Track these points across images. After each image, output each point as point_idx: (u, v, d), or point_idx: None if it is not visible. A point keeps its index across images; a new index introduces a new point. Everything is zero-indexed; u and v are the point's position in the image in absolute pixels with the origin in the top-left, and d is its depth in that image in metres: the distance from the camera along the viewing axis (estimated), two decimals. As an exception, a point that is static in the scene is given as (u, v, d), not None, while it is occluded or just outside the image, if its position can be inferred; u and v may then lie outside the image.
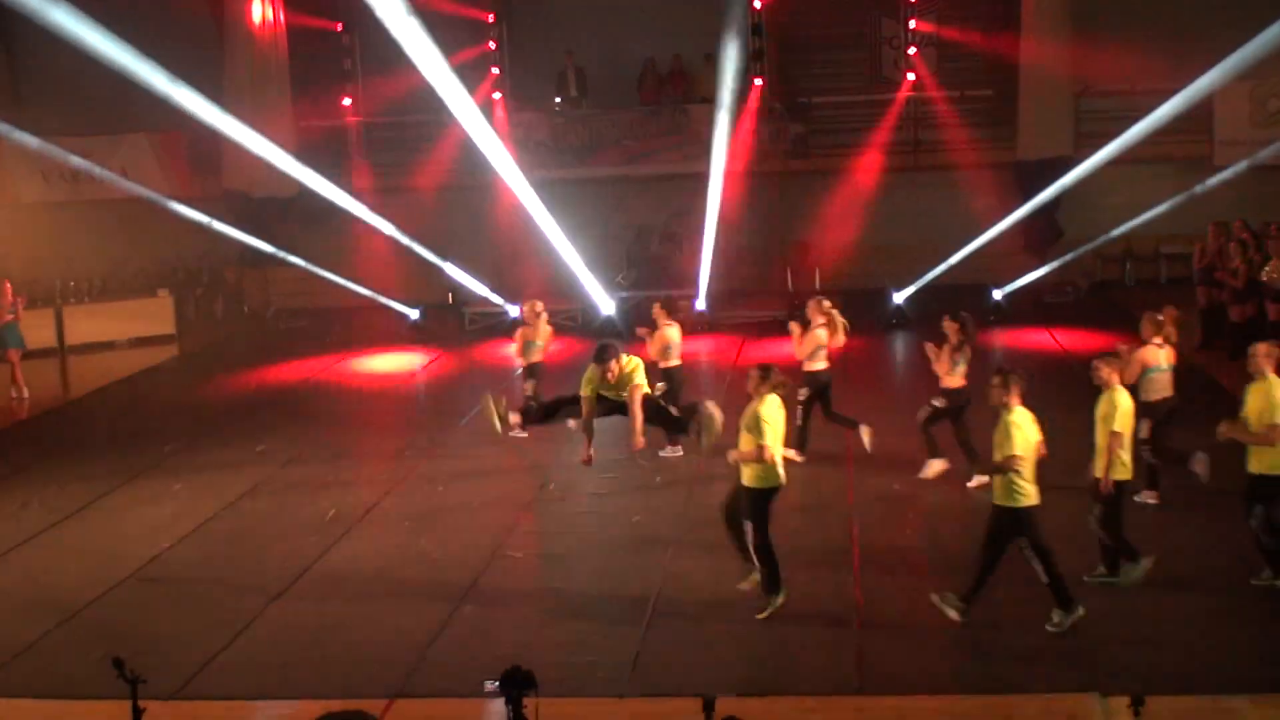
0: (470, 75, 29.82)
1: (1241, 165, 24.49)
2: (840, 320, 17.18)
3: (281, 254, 27.56)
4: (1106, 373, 12.51)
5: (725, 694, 9.60)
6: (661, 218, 29.77)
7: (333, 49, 30.92)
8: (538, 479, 16.48)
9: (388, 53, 30.38)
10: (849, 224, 26.48)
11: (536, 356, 18.39)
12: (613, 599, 12.85)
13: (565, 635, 12.13)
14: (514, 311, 27.00)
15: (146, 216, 28.30)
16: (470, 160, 27.06)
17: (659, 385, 16.49)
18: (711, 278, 26.70)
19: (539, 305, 18.69)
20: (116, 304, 28.04)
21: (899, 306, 26.55)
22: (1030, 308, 26.27)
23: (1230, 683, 10.61)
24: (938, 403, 16.10)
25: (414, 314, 27.57)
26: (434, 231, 28.06)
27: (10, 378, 23.06)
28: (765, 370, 12.40)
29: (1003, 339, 24.28)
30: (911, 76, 29.73)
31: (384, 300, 27.20)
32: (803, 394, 16.65)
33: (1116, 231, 26.22)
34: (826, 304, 17.20)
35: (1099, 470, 12.32)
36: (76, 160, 28.13)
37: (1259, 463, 12.25)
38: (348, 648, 12.04)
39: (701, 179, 26.03)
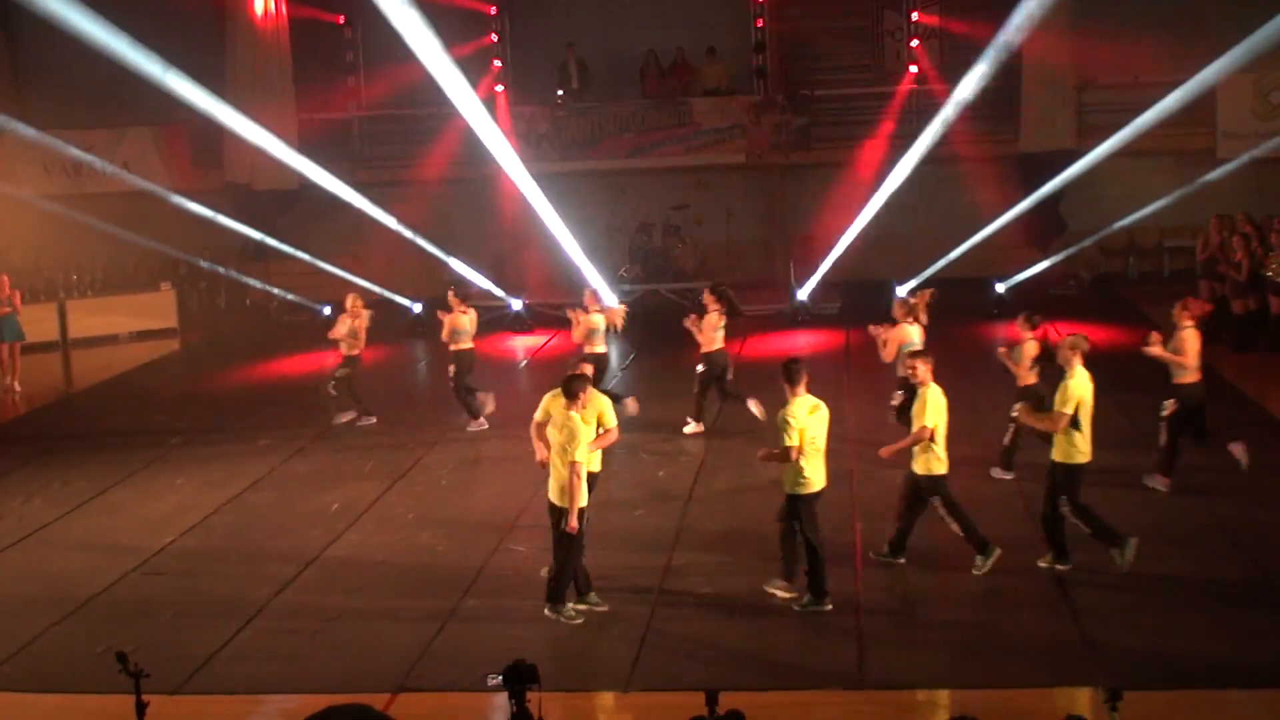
0: (472, 68, 29.84)
1: (1244, 158, 24.48)
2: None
3: (284, 247, 27.59)
4: (924, 371, 12.98)
5: (728, 688, 9.59)
6: (663, 211, 29.73)
7: (335, 42, 30.91)
8: (542, 473, 16.48)
9: (390, 46, 30.50)
10: (851, 217, 26.42)
11: (358, 349, 19.73)
12: (615, 593, 12.84)
13: (568, 629, 12.13)
14: (516, 305, 27.03)
15: (148, 210, 28.30)
16: (472, 153, 27.05)
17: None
18: (713, 271, 26.71)
19: (356, 297, 20.08)
20: (119, 298, 28.07)
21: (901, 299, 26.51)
22: (1033, 301, 26.20)
23: (1230, 676, 10.62)
24: (700, 369, 18.17)
25: (416, 308, 27.45)
26: (436, 225, 28.06)
27: (6, 369, 23.20)
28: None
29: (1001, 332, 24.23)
30: (914, 69, 29.73)
31: (386, 293, 27.15)
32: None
33: (1119, 224, 26.21)
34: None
35: (916, 464, 12.93)
36: (78, 153, 28.20)
37: (1059, 452, 12.82)
38: (351, 641, 12.06)
39: (704, 171, 26.03)
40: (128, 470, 17.90)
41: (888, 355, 16.41)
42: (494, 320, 27.11)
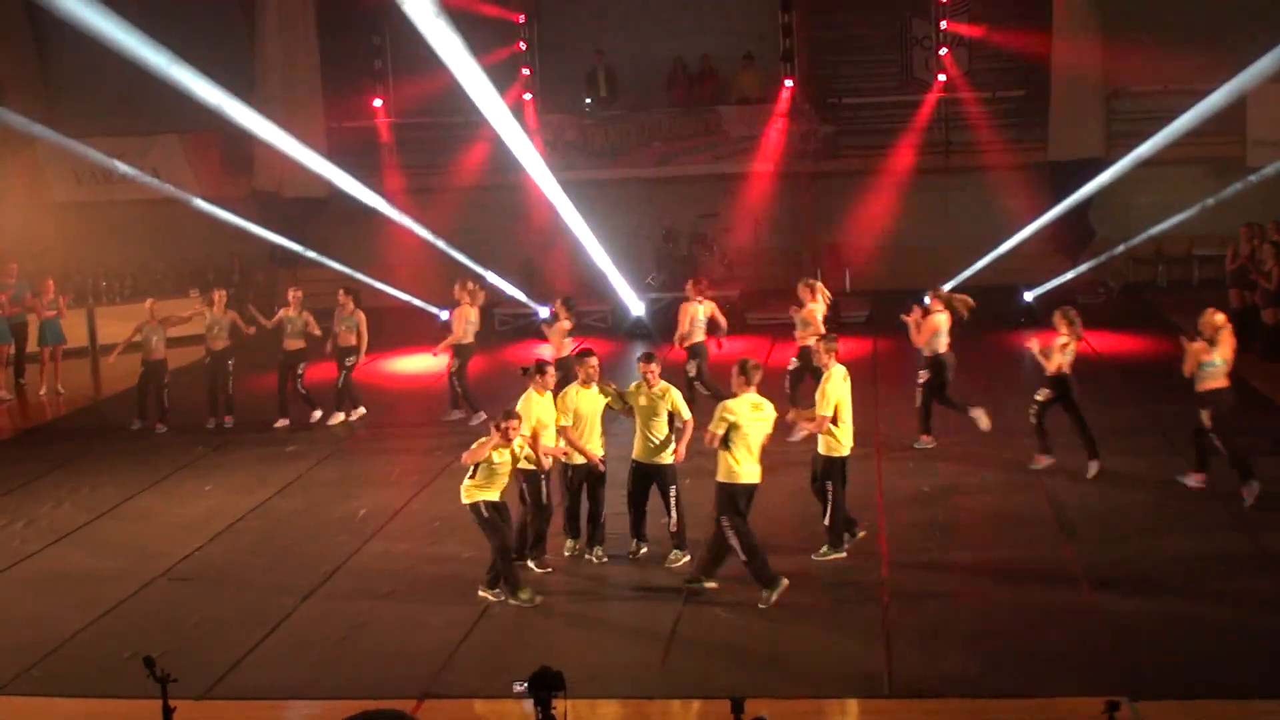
0: (501, 76, 29.90)
1: (1275, 166, 24.33)
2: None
3: (312, 254, 27.63)
4: (652, 373, 13.78)
5: (753, 695, 9.57)
6: (691, 219, 29.71)
7: (364, 49, 30.99)
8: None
9: (418, 53, 30.56)
10: (879, 225, 26.40)
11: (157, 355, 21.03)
12: (640, 599, 12.86)
13: (593, 636, 12.14)
14: (544, 312, 27.00)
15: (177, 217, 28.40)
16: (500, 161, 27.07)
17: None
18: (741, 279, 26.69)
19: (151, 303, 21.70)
20: (173, 303, 28.07)
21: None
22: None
23: (1260, 686, 10.54)
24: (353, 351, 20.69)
25: (443, 315, 27.46)
26: (464, 232, 28.08)
27: (47, 373, 23.49)
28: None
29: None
30: (943, 77, 29.67)
31: (414, 300, 27.16)
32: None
33: (1149, 233, 26.09)
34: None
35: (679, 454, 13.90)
36: (108, 160, 28.32)
37: (823, 445, 13.68)
38: (377, 647, 12.08)
39: (731, 180, 26.00)
40: (156, 476, 17.99)
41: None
42: (523, 328, 27.15)
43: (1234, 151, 27.61)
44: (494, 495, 12.88)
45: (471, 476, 12.86)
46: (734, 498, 12.58)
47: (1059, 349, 15.88)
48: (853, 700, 10.72)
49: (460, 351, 20.31)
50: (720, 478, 12.62)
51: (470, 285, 20.66)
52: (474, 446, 12.76)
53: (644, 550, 13.94)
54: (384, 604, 13.10)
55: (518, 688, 7.54)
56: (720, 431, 12.45)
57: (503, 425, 12.71)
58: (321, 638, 12.34)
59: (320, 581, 13.72)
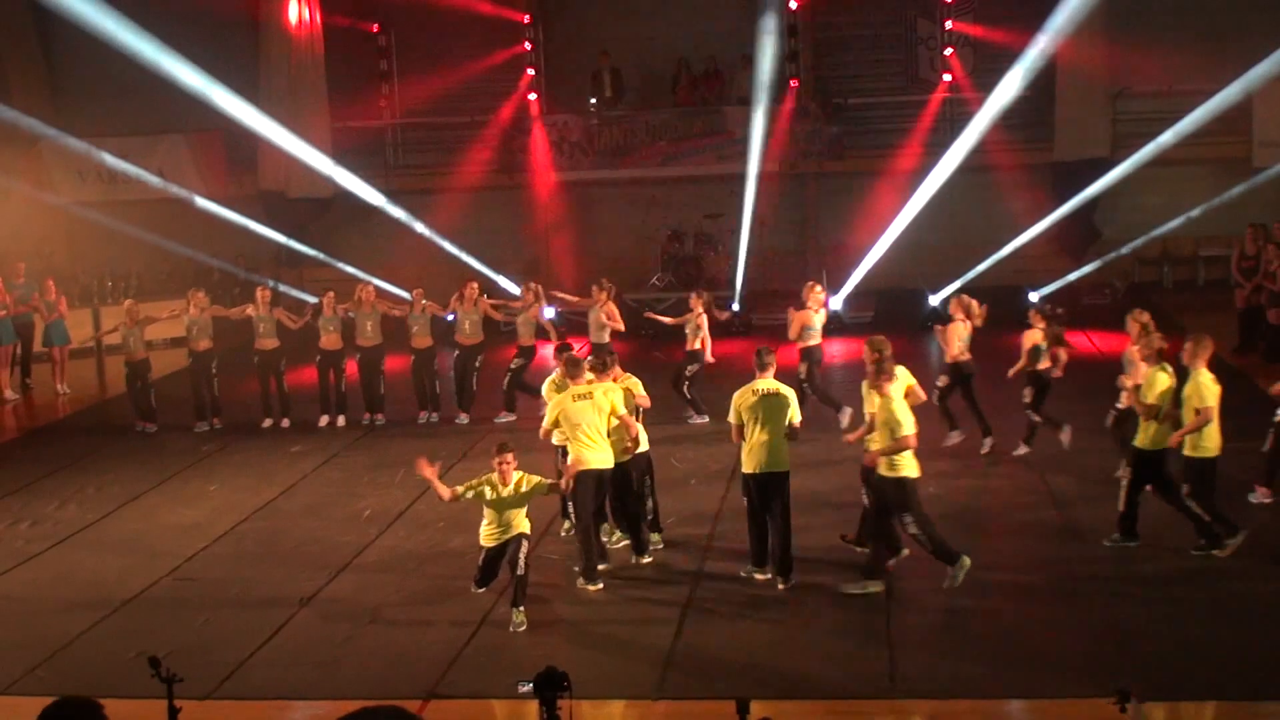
0: (506, 76, 29.92)
1: (1280, 167, 24.34)
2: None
3: (317, 254, 27.68)
4: (559, 374, 14.33)
5: (758, 696, 9.56)
6: (696, 219, 29.69)
7: (369, 49, 31.00)
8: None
9: (424, 53, 30.60)
10: (884, 225, 26.33)
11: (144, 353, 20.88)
12: (645, 600, 12.86)
13: (599, 637, 12.13)
14: (549, 313, 26.98)
15: (183, 216, 28.43)
16: (505, 161, 27.09)
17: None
18: (746, 279, 26.66)
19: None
20: (153, 304, 28.10)
21: (934, 308, 26.44)
22: (1067, 310, 26.04)
23: (1267, 687, 10.54)
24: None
25: (449, 317, 27.44)
26: (469, 232, 28.09)
27: (54, 374, 23.57)
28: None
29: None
30: (948, 77, 29.62)
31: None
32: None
33: (1154, 233, 26.07)
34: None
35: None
36: (113, 160, 28.37)
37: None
38: (383, 648, 12.09)
39: (736, 180, 25.97)
40: (161, 476, 18.02)
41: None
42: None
43: (1240, 152, 27.55)
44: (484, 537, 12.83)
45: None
46: (584, 484, 13.23)
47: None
48: (858, 701, 10.70)
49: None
50: (588, 466, 13.23)
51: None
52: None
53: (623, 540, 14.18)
54: (389, 604, 13.10)
55: (523, 688, 7.53)
56: (549, 425, 13.35)
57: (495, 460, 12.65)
58: (327, 638, 12.35)
59: (325, 581, 13.73)
